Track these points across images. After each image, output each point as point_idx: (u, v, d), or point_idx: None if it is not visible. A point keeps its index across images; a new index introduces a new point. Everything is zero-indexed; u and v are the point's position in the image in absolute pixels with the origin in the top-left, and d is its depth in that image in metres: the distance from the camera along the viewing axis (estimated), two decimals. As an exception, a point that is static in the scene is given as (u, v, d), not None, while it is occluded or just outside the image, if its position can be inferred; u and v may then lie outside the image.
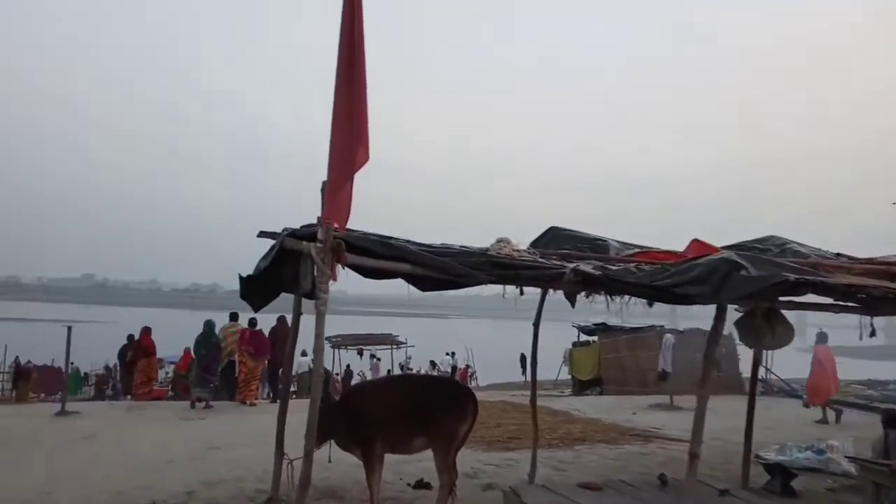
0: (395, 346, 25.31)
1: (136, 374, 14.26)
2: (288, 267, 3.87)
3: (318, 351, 3.90)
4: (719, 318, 4.12)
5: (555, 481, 6.44)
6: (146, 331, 14.39)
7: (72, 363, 27.92)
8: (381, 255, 3.76)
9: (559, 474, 7.13)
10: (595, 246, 5.40)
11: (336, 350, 25.13)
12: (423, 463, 6.26)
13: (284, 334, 14.13)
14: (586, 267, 4.04)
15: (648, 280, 3.93)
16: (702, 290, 3.75)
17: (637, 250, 5.39)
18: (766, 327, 4.46)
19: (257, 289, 4.30)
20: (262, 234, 4.31)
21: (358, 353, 25.94)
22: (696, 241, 5.04)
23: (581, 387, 21.88)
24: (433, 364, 34.04)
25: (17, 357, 22.49)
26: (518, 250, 4.39)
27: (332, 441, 5.41)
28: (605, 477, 7.03)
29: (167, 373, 24.11)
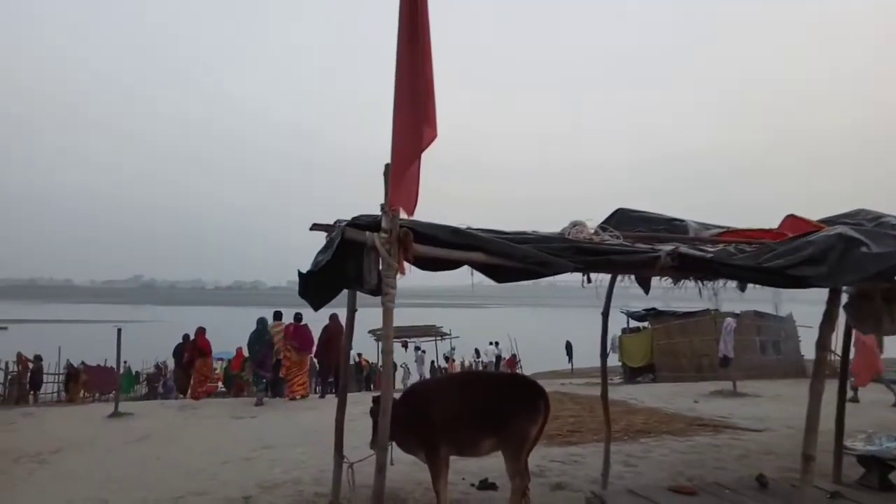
0: (439, 338, 25.02)
1: (193, 373, 14.51)
2: (350, 261, 3.50)
3: (387, 352, 3.55)
4: (833, 301, 3.63)
5: (636, 482, 6.03)
6: (201, 331, 14.58)
7: (125, 362, 28.69)
8: (451, 245, 3.39)
9: (631, 471, 6.70)
10: (672, 227, 4.92)
11: (380, 343, 25.08)
12: (484, 461, 5.93)
13: (337, 332, 14.22)
14: (685, 249, 3.58)
15: (754, 262, 3.46)
16: (818, 270, 3.27)
17: (720, 230, 4.88)
18: (884, 310, 3.93)
19: (317, 286, 3.92)
20: (316, 227, 3.97)
21: (402, 346, 25.77)
22: (791, 216, 4.50)
23: (632, 374, 21.29)
24: (477, 353, 33.81)
25: (68, 360, 22.96)
26: (598, 234, 3.95)
27: (393, 442, 5.11)
28: (680, 472, 6.60)
29: (214, 369, 24.26)
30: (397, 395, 5.25)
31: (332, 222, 4.07)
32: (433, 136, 3.11)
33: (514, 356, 32.96)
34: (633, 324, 22.69)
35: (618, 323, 28.00)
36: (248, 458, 7.43)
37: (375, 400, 5.21)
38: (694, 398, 12.77)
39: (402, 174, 3.13)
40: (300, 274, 3.88)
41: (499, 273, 3.61)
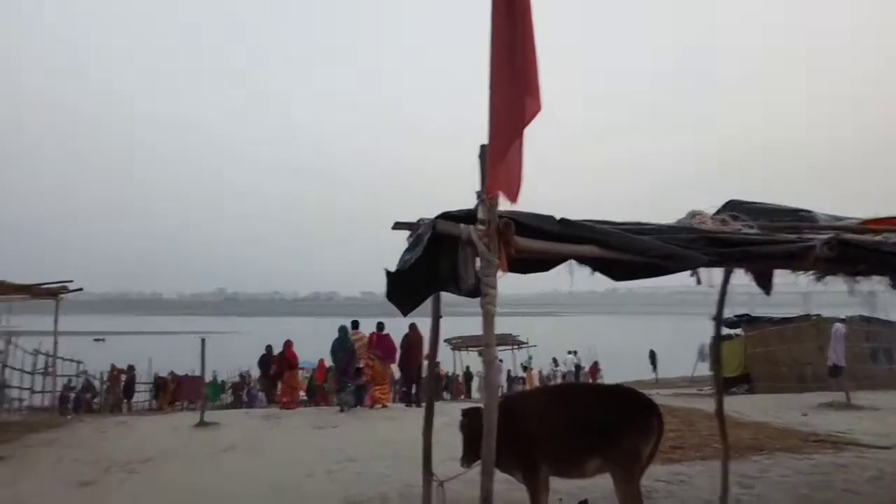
0: (516, 347, 24.42)
1: (281, 385, 14.87)
2: (443, 258, 3.13)
3: (489, 362, 3.15)
4: None
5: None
6: (289, 344, 14.84)
7: (214, 371, 29.61)
8: (559, 237, 2.98)
9: (748, 493, 6.03)
10: (799, 218, 4.31)
11: (456, 352, 24.72)
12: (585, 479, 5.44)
13: (417, 341, 14.18)
14: (850, 236, 3.03)
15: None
16: None
17: (855, 221, 4.24)
18: None
19: (406, 288, 3.57)
20: (398, 226, 3.67)
21: (479, 355, 25.35)
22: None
23: (725, 384, 20.01)
24: (555, 363, 32.92)
25: (155, 373, 23.87)
26: (727, 223, 3.43)
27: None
28: (805, 496, 5.89)
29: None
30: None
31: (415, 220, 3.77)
32: (537, 109, 2.70)
33: (595, 364, 31.89)
34: (726, 331, 21.38)
35: (704, 330, 26.61)
36: (331, 471, 7.21)
37: (465, 413, 4.84)
38: (802, 411, 11.73)
39: (502, 155, 2.72)
40: (388, 274, 3.53)
41: (615, 269, 3.17)
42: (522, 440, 4.26)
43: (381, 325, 13.61)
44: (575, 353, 31.64)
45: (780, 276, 4.24)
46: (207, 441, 9.13)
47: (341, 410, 12.59)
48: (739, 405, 13.45)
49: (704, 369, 26.05)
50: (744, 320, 19.63)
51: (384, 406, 13.38)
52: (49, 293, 10.89)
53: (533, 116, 2.71)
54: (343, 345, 13.16)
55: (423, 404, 13.83)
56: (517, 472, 4.41)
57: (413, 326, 14.02)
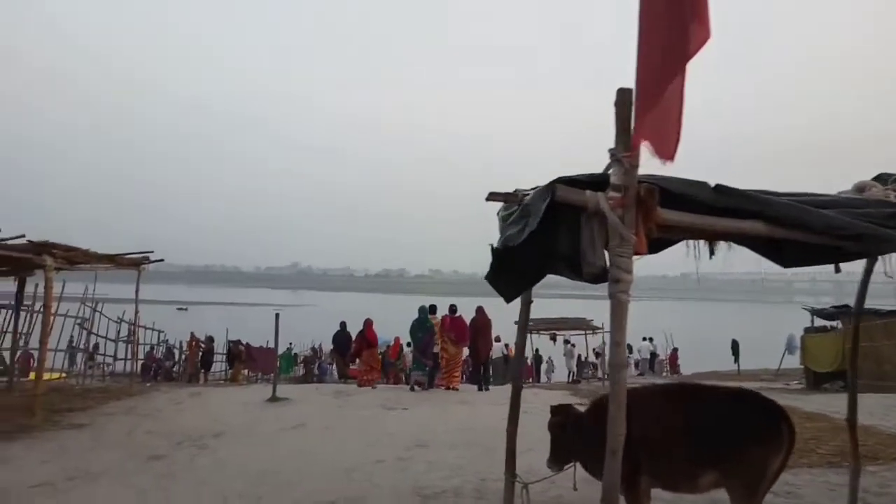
0: (590, 332, 23.55)
1: (361, 363, 14.95)
2: (562, 234, 2.55)
3: (618, 365, 2.58)
4: None
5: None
6: (369, 323, 14.87)
7: (290, 343, 30.22)
8: (713, 209, 2.39)
9: (876, 514, 5.24)
10: None
11: (529, 335, 24.18)
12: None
13: (485, 325, 14.19)
14: None
15: None
16: None
17: None
18: None
19: (511, 270, 2.99)
20: (493, 197, 3.15)
21: (551, 339, 24.67)
22: None
23: (817, 380, 18.58)
24: (630, 349, 31.77)
25: (228, 341, 24.35)
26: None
27: (577, 462, 4.20)
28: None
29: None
30: (562, 400, 4.38)
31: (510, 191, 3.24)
32: (705, 38, 2.07)
33: (675, 352, 30.59)
34: (819, 322, 19.83)
35: (791, 321, 24.86)
36: (402, 457, 6.86)
37: (555, 411, 4.32)
38: (915, 415, 10.54)
39: (655, 98, 2.11)
40: (494, 252, 2.95)
41: (786, 252, 2.53)
42: (625, 445, 3.71)
43: (453, 308, 13.57)
44: (651, 339, 30.44)
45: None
46: (278, 417, 9.01)
47: (412, 389, 12.64)
48: (837, 404, 12.31)
49: (792, 362, 24.49)
50: (844, 312, 18.09)
51: (455, 389, 13.27)
52: (132, 263, 11.03)
53: (699, 47, 2.06)
54: (423, 325, 13.33)
55: (491, 387, 13.76)
56: (615, 481, 3.86)
57: (480, 309, 14.09)
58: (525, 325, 4.50)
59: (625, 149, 2.23)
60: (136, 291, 11.23)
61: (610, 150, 2.35)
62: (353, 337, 15.71)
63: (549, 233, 2.54)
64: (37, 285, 11.11)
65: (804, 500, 5.63)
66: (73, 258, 9.05)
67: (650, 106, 2.10)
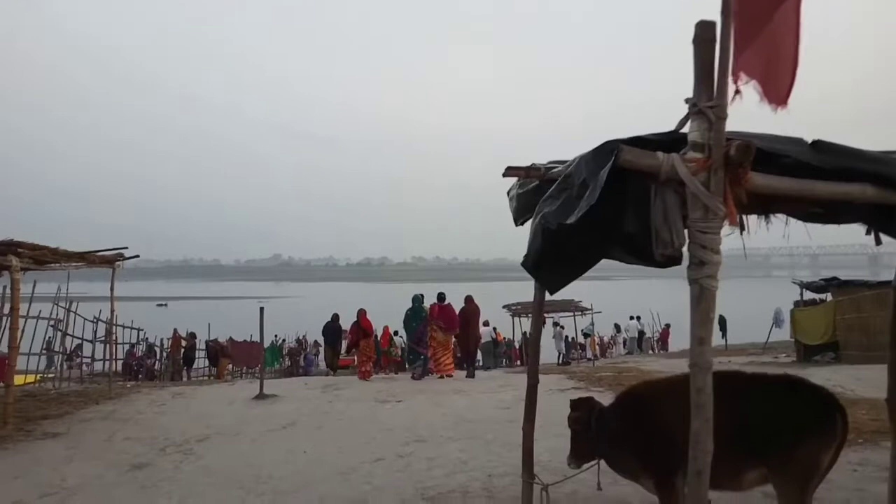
0: (579, 313, 23.36)
1: (356, 354, 14.71)
2: (628, 207, 2.10)
3: (702, 368, 2.18)
4: None
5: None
6: (363, 312, 14.54)
7: (275, 336, 29.74)
8: (810, 170, 1.99)
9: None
10: None
11: (517, 318, 23.86)
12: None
13: (474, 313, 14.17)
14: None
15: None
16: None
17: None
18: None
19: (559, 257, 2.48)
20: (510, 171, 2.76)
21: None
22: None
23: (807, 352, 18.58)
24: (618, 328, 31.75)
25: (209, 339, 23.78)
26: None
27: (602, 461, 3.85)
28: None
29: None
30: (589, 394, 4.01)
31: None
32: None
33: (667, 327, 30.56)
34: (809, 295, 19.79)
35: (779, 295, 24.90)
36: (401, 454, 6.50)
37: (575, 405, 3.96)
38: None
39: (758, 25, 1.66)
40: (543, 232, 2.42)
41: None
42: (656, 441, 3.36)
43: (441, 296, 13.42)
44: (638, 318, 30.40)
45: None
46: (266, 416, 8.59)
47: (414, 378, 12.83)
48: (836, 377, 12.17)
49: (779, 336, 24.58)
50: (833, 284, 18.05)
51: (450, 375, 13.10)
52: (105, 261, 10.45)
53: None
54: (417, 314, 13.31)
55: (476, 373, 13.62)
56: (646, 480, 3.52)
57: (469, 298, 14.08)
58: (540, 311, 4.14)
59: (708, 98, 1.80)
60: (111, 289, 10.69)
61: (689, 100, 1.91)
62: (343, 328, 15.46)
63: (609, 207, 2.09)
64: (4, 287, 10.53)
65: (830, 482, 5.36)
66: (40, 257, 8.49)
67: (752, 35, 1.67)
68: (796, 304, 19.63)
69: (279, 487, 5.52)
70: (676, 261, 2.05)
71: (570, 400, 3.97)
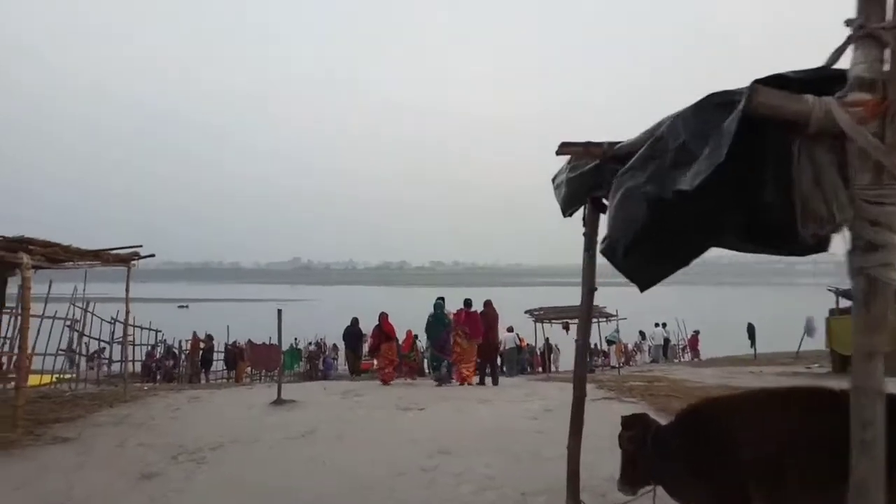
0: (605, 319, 22.77)
1: (378, 358, 14.51)
2: (765, 173, 1.64)
3: (867, 387, 1.74)
4: None
5: None
6: (384, 316, 14.32)
7: (295, 339, 29.58)
8: None
9: None
10: None
11: (540, 324, 23.32)
12: None
13: (493, 318, 13.78)
14: None
15: None
16: None
17: None
18: None
19: (655, 245, 2.04)
20: (565, 149, 2.35)
21: (563, 328, 23.83)
22: None
23: (843, 363, 17.81)
24: (642, 336, 31.06)
25: (228, 341, 23.58)
26: None
27: (661, 487, 3.40)
28: None
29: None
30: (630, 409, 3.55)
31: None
32: None
33: (696, 334, 29.69)
34: (845, 303, 19.01)
35: (814, 303, 24.06)
36: (425, 468, 6.08)
37: (627, 423, 3.52)
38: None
39: None
40: (647, 204, 1.91)
41: None
42: (726, 466, 2.92)
43: (468, 302, 13.22)
44: (664, 325, 29.69)
45: None
46: (284, 424, 8.22)
47: (438, 384, 12.65)
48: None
49: (811, 345, 23.78)
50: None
51: (470, 383, 12.83)
52: (119, 259, 10.21)
53: None
54: (440, 320, 13.14)
55: (498, 381, 13.28)
56: (712, 508, 3.06)
57: (489, 303, 13.72)
58: (588, 318, 3.70)
59: (880, 16, 1.33)
60: (126, 289, 10.45)
61: (851, 21, 1.43)
62: (363, 332, 15.27)
63: (734, 170, 1.60)
64: (19, 287, 10.32)
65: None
66: (52, 255, 8.24)
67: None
68: (832, 312, 18.87)
69: (293, 501, 5.15)
70: (824, 246, 1.59)
71: (622, 417, 3.53)
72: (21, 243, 7.73)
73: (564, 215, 3.05)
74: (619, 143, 2.28)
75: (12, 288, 10.57)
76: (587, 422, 5.94)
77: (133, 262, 10.41)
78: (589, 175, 2.52)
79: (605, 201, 3.27)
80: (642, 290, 2.27)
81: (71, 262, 9.38)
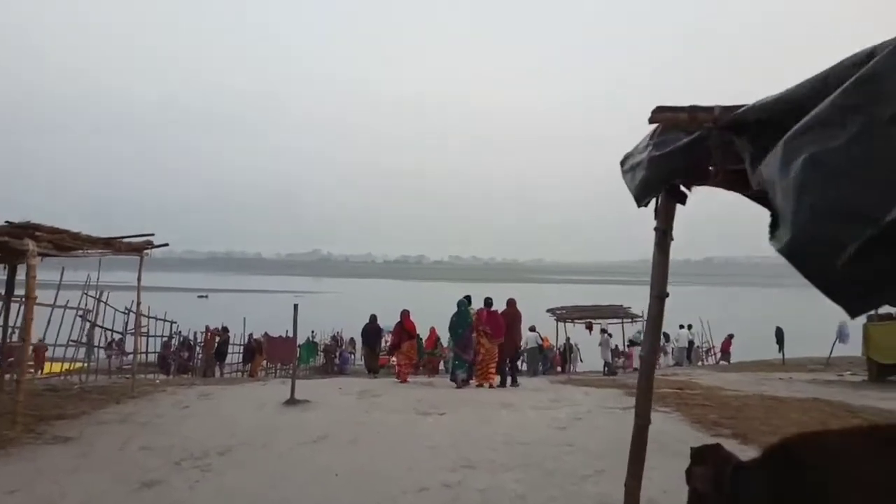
0: (629, 320, 22.12)
1: (398, 355, 14.30)
2: None
3: None
4: None
5: None
6: (406, 313, 14.06)
7: (312, 332, 29.31)
8: None
9: None
10: None
11: (562, 324, 22.73)
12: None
13: (515, 318, 13.38)
14: None
15: None
16: None
17: None
18: None
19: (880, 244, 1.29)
20: (660, 115, 1.82)
21: (587, 328, 23.21)
22: None
23: (880, 371, 17.00)
24: (666, 338, 30.19)
25: (249, 335, 23.21)
26: None
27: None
28: None
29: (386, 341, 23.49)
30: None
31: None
32: None
33: (730, 337, 28.67)
34: (885, 309, 18.17)
35: (824, 306, 23.14)
36: (448, 483, 5.56)
37: (698, 456, 2.96)
38: None
39: None
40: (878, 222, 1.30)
41: None
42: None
43: (489, 301, 12.86)
44: (689, 326, 28.84)
45: None
46: (297, 426, 7.76)
47: (458, 386, 12.15)
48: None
49: (842, 351, 22.93)
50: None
51: (492, 385, 12.37)
52: (131, 248, 9.83)
53: None
54: (464, 319, 12.62)
55: (518, 382, 12.84)
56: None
57: (511, 302, 13.38)
58: (657, 329, 3.14)
59: None
60: (139, 279, 10.08)
61: None
62: (382, 328, 14.92)
63: None
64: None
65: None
66: (60, 242, 7.85)
67: None
68: (870, 318, 18.02)
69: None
70: None
71: (692, 448, 2.97)
72: (27, 229, 7.34)
73: (639, 204, 2.50)
74: (740, 106, 1.74)
75: (22, 276, 10.27)
76: (619, 433, 5.39)
77: (146, 251, 10.03)
78: (683, 152, 1.97)
79: (683, 189, 2.72)
80: (853, 315, 1.64)
81: (81, 251, 8.99)
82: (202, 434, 7.20)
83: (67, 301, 12.14)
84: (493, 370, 12.69)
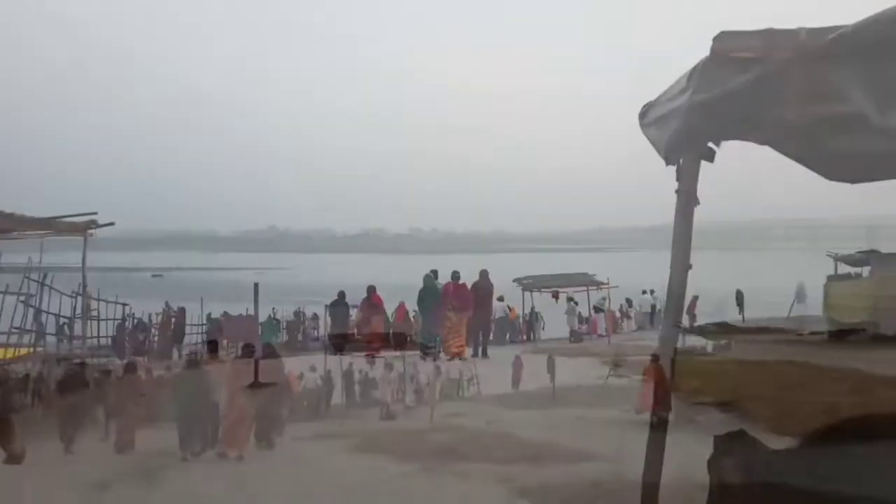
0: (595, 287, 22.20)
1: (367, 333, 13.72)
2: None
3: None
4: None
5: None
6: (372, 289, 13.92)
7: (273, 309, 28.59)
8: None
9: None
10: None
11: (529, 293, 22.61)
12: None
13: (488, 290, 13.37)
14: None
15: None
16: None
17: None
18: None
19: None
20: (726, 42, 1.45)
21: (553, 297, 23.19)
22: None
23: (838, 333, 17.43)
24: (629, 303, 30.55)
25: (209, 316, 22.28)
26: None
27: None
28: None
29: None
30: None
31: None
32: None
33: (695, 299, 29.01)
34: (844, 269, 18.59)
35: (812, 269, 23.70)
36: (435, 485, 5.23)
37: (725, 444, 2.67)
38: None
39: None
40: None
41: None
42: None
43: (456, 275, 13.05)
44: (652, 291, 29.14)
45: None
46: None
47: (424, 358, 12.15)
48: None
49: (801, 312, 23.51)
50: (875, 256, 16.82)
51: (462, 357, 12.53)
52: (74, 229, 9.14)
53: None
54: (432, 294, 12.84)
55: (487, 353, 12.75)
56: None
57: (484, 273, 13.68)
58: (679, 304, 2.82)
59: None
60: (83, 260, 9.45)
61: None
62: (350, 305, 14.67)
63: None
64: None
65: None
66: (-8, 224, 7.15)
67: None
68: (830, 278, 18.42)
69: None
70: None
71: (716, 437, 2.67)
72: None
73: (668, 162, 2.14)
74: (834, 28, 1.36)
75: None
76: (608, 406, 5.14)
77: (90, 230, 9.36)
78: (742, 95, 1.56)
79: (711, 144, 2.34)
80: None
81: (16, 232, 8.29)
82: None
83: (7, 286, 11.30)
84: (461, 343, 12.74)
